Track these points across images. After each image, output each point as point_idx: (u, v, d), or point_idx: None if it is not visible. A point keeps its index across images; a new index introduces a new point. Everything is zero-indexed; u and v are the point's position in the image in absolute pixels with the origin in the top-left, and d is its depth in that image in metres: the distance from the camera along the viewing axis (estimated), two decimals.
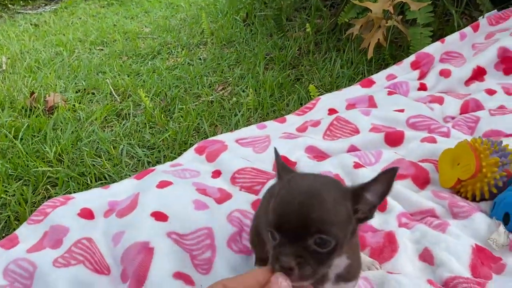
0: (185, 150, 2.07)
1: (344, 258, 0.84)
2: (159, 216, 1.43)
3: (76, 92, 2.96)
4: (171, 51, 3.69)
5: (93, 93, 2.95)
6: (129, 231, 1.41)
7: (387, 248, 1.33)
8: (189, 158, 1.93)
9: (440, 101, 2.12)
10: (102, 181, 1.95)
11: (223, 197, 1.58)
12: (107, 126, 2.51)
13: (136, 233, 1.38)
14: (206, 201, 1.53)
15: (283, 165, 0.88)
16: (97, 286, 1.28)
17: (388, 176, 0.76)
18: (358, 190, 0.78)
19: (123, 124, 2.48)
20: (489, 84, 2.19)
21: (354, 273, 0.91)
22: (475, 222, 1.37)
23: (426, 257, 1.29)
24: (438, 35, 2.59)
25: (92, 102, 2.81)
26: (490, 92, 2.10)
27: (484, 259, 1.27)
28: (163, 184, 1.61)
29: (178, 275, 1.25)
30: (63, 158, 2.11)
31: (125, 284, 1.28)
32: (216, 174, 1.78)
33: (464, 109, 2.05)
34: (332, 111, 2.19)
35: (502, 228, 1.31)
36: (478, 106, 2.03)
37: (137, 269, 1.27)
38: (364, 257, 1.30)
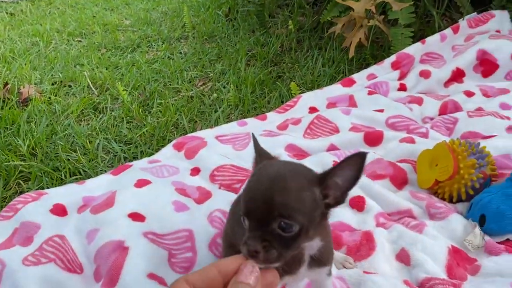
0: (163, 146, 2.03)
1: (317, 241, 0.86)
2: (136, 217, 1.40)
3: (52, 84, 2.88)
4: (151, 44, 3.63)
5: (69, 86, 2.88)
6: (104, 229, 1.37)
7: (364, 246, 1.33)
8: (168, 154, 1.89)
9: (419, 101, 2.13)
10: (77, 176, 1.90)
11: (202, 197, 1.55)
12: (84, 120, 2.45)
13: (111, 231, 1.35)
14: (186, 202, 1.50)
15: (260, 152, 0.90)
16: (69, 285, 1.25)
17: (358, 161, 0.76)
18: (324, 176, 0.78)
19: (100, 118, 2.42)
20: (468, 86, 2.21)
21: (327, 257, 0.94)
22: (451, 223, 1.38)
23: (403, 257, 1.30)
24: (418, 36, 2.61)
25: (68, 95, 2.74)
26: (469, 94, 2.12)
27: (459, 260, 1.28)
28: (141, 183, 1.58)
29: (152, 276, 1.22)
30: (36, 152, 2.05)
31: (98, 283, 1.25)
32: (195, 171, 1.76)
33: (443, 110, 2.07)
34: (313, 109, 2.18)
35: (477, 230, 1.32)
36: (457, 108, 2.05)
37: (111, 269, 1.24)
38: (337, 254, 1.30)
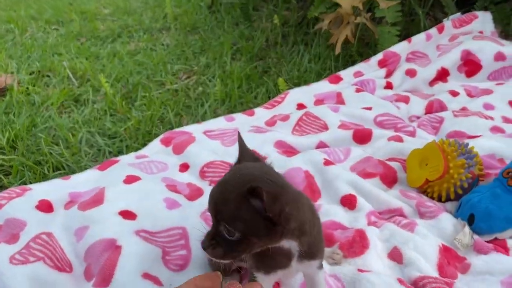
0: (149, 141, 1.99)
1: (290, 242, 0.88)
2: (127, 215, 1.37)
3: (30, 74, 2.79)
4: (132, 34, 3.55)
5: (48, 76, 2.79)
6: (94, 226, 1.34)
7: (357, 243, 1.33)
8: (155, 149, 1.86)
9: (405, 100, 2.15)
10: (60, 171, 1.84)
11: (193, 193, 1.53)
12: (65, 112, 2.38)
13: (102, 229, 1.32)
14: (177, 199, 1.48)
15: (243, 152, 0.94)
16: (59, 284, 1.21)
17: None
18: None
19: (82, 111, 2.35)
20: (452, 85, 2.25)
21: (316, 251, 0.97)
22: (441, 222, 1.41)
23: (395, 256, 1.31)
24: (403, 35, 2.64)
25: (47, 86, 2.66)
26: (454, 93, 2.16)
27: (450, 259, 1.30)
28: (130, 180, 1.54)
29: (147, 276, 1.20)
30: (17, 145, 1.98)
31: (89, 282, 1.22)
32: (184, 167, 1.73)
33: (429, 109, 2.10)
34: (300, 106, 2.18)
35: (467, 229, 1.35)
36: (442, 107, 2.09)
37: (103, 268, 1.21)
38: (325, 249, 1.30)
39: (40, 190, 1.54)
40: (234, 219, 0.79)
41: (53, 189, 1.56)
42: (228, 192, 0.81)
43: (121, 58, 3.02)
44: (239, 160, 0.95)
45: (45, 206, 1.47)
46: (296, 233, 0.87)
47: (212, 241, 0.82)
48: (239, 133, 1.01)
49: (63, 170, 1.85)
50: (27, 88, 2.57)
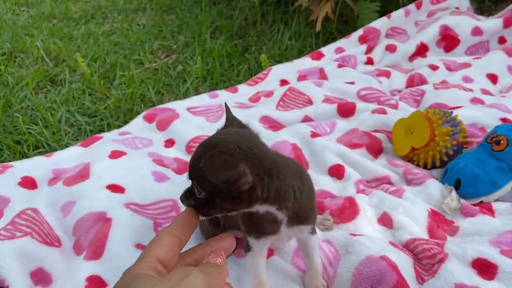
0: (130, 118, 1.96)
1: (266, 207, 0.86)
2: (116, 188, 1.35)
3: (1, 55, 2.68)
4: (107, 15, 3.46)
5: (21, 57, 2.69)
6: (81, 201, 1.31)
7: (348, 209, 1.33)
8: (138, 126, 1.83)
9: (387, 74, 2.18)
10: (40, 150, 1.79)
11: (182, 168, 1.51)
12: (41, 92, 2.31)
13: (90, 203, 1.29)
14: (165, 172, 1.46)
15: (230, 118, 0.94)
16: (48, 259, 1.18)
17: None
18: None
19: (59, 91, 2.29)
20: (431, 60, 2.28)
21: (307, 216, 0.97)
22: (429, 188, 1.43)
23: (385, 220, 1.32)
24: (381, 11, 2.65)
25: (21, 67, 2.57)
26: (433, 67, 2.19)
27: (438, 222, 1.33)
28: (116, 155, 1.51)
29: (140, 246, 1.18)
30: None
31: (80, 256, 1.19)
32: (169, 143, 1.71)
33: (410, 83, 2.12)
34: (284, 82, 2.17)
35: (454, 193, 1.38)
36: (423, 81, 2.12)
37: (94, 240, 1.18)
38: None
39: (22, 167, 1.49)
40: (202, 179, 0.80)
41: (35, 166, 1.52)
42: (199, 154, 0.82)
43: (96, 38, 2.94)
44: (226, 126, 0.93)
45: (29, 183, 1.43)
46: (272, 200, 0.85)
47: (186, 193, 0.85)
48: (225, 103, 1.01)
49: (43, 148, 1.80)
50: None
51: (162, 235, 0.76)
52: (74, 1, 3.79)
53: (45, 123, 1.95)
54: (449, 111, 1.59)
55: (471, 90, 1.99)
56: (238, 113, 1.82)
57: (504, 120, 1.69)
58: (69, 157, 1.58)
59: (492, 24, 2.35)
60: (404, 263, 1.13)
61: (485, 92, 2.01)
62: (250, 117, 1.83)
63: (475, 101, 1.90)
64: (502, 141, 1.40)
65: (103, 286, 1.09)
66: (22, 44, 2.81)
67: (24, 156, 1.74)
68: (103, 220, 1.23)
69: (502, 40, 2.36)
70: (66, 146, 1.80)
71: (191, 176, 0.84)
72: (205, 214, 0.85)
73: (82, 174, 1.41)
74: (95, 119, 2.02)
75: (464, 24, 2.35)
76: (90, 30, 3.11)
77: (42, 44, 2.80)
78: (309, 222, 0.99)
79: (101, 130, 1.94)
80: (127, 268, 0.68)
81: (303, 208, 0.95)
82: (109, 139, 1.66)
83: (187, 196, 0.85)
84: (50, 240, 1.23)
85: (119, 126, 1.91)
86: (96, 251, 1.16)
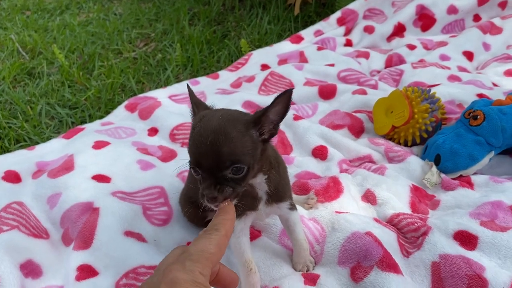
0: (112, 109, 1.94)
1: (261, 176, 0.94)
2: (101, 178, 1.35)
3: None
4: (82, 5, 3.40)
5: None
6: (67, 192, 1.30)
7: (332, 188, 1.35)
8: (121, 115, 1.82)
9: (366, 55, 2.20)
10: (22, 143, 1.77)
11: (167, 155, 1.52)
12: (18, 86, 2.26)
13: (76, 194, 1.28)
14: (151, 160, 1.46)
15: (196, 102, 0.94)
16: (37, 251, 1.18)
17: (286, 97, 0.83)
18: (259, 117, 0.85)
19: (37, 84, 2.25)
20: (409, 40, 2.32)
21: (283, 192, 1.02)
22: (410, 165, 1.46)
23: (369, 197, 1.35)
24: None
25: None
26: (411, 47, 2.22)
27: (420, 197, 1.37)
28: (99, 145, 1.50)
29: (130, 234, 1.18)
30: None
31: (69, 247, 1.19)
32: (153, 131, 1.71)
33: (388, 63, 2.15)
34: (264, 66, 2.18)
35: (434, 169, 1.41)
36: (401, 61, 2.15)
37: (82, 230, 1.18)
38: (297, 196, 1.34)
39: (5, 161, 1.48)
40: (243, 155, 0.82)
41: (18, 160, 1.50)
42: (227, 135, 0.81)
43: (72, 29, 2.89)
44: (197, 110, 0.94)
45: (12, 177, 1.42)
46: (267, 166, 0.93)
47: (217, 187, 0.81)
48: (188, 85, 1.00)
49: (24, 142, 1.77)
50: None
51: (210, 232, 0.71)
52: None
53: (25, 117, 1.93)
54: (427, 88, 1.62)
55: (448, 68, 2.03)
56: (220, 99, 1.86)
57: (480, 95, 1.73)
58: (52, 149, 1.57)
59: (467, 2, 2.39)
60: (389, 238, 1.17)
61: (462, 69, 2.05)
62: (232, 103, 1.84)
63: (452, 78, 1.94)
64: (479, 116, 1.44)
65: (94, 274, 1.10)
66: None
67: (5, 150, 1.71)
68: (90, 210, 1.23)
69: (477, 18, 2.40)
70: (48, 139, 1.78)
71: (228, 163, 0.81)
72: (239, 193, 0.84)
73: (67, 166, 1.40)
74: (76, 111, 2.00)
75: (439, 3, 2.39)
76: (65, 21, 3.06)
77: (17, 37, 2.75)
78: (286, 198, 1.04)
79: (83, 122, 1.93)
80: (167, 261, 0.65)
81: (281, 183, 1.00)
82: (92, 130, 1.65)
83: (220, 189, 0.81)
84: (38, 232, 1.23)
85: (101, 117, 1.90)
86: (85, 241, 1.16)
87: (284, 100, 0.83)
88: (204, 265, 0.63)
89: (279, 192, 0.99)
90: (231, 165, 0.81)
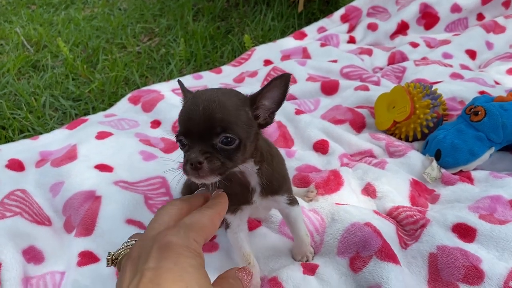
0: (115, 101, 1.96)
1: (251, 164, 0.89)
2: (104, 168, 1.36)
3: None
4: (86, 0, 3.42)
5: (0, 44, 2.66)
6: (69, 181, 1.32)
7: (332, 181, 1.36)
8: (124, 108, 1.83)
9: (369, 52, 2.21)
10: (25, 134, 1.79)
11: (169, 147, 1.53)
12: (23, 78, 2.28)
13: (78, 183, 1.30)
14: (153, 152, 1.48)
15: (186, 90, 0.94)
16: (40, 237, 1.19)
17: (283, 82, 0.80)
18: (255, 97, 0.82)
19: (41, 76, 2.27)
20: (412, 37, 2.32)
21: (279, 185, 0.98)
22: (410, 159, 1.47)
23: (369, 191, 1.36)
24: None
25: (1, 53, 2.53)
26: (414, 45, 2.23)
27: (420, 191, 1.37)
28: (102, 135, 1.52)
29: (131, 222, 1.20)
30: None
31: (71, 234, 1.21)
32: (156, 124, 1.72)
33: (391, 60, 2.16)
34: (267, 62, 2.19)
35: (435, 163, 1.42)
36: (404, 58, 2.16)
37: (84, 218, 1.20)
38: (298, 189, 1.34)
39: (9, 150, 1.49)
40: (236, 125, 0.78)
41: (22, 149, 1.52)
42: (221, 104, 0.77)
43: (77, 23, 2.90)
44: (187, 94, 0.92)
45: (16, 165, 1.43)
46: (258, 157, 0.90)
47: (206, 154, 0.76)
48: (179, 80, 0.99)
49: (28, 133, 1.79)
50: None
51: (204, 209, 0.73)
52: None
53: (29, 108, 1.94)
54: (429, 85, 1.63)
55: (450, 66, 2.03)
56: None
57: (482, 93, 1.74)
58: (56, 139, 1.59)
59: (471, 1, 2.39)
60: (388, 229, 1.17)
61: (464, 67, 2.05)
62: None
63: (455, 76, 1.94)
64: (480, 112, 1.44)
65: (95, 260, 1.11)
66: (1, 30, 2.78)
67: (9, 140, 1.73)
68: (93, 198, 1.24)
69: (480, 17, 2.41)
70: (52, 130, 1.79)
71: (219, 129, 0.76)
72: (227, 169, 0.79)
73: (70, 155, 1.42)
74: (79, 103, 2.02)
75: (443, 1, 2.39)
76: (70, 16, 3.07)
77: (22, 30, 2.76)
78: (282, 192, 1.01)
79: (86, 114, 1.94)
80: (158, 228, 0.67)
81: (275, 176, 0.96)
82: (95, 121, 1.67)
83: (208, 157, 0.76)
84: (41, 219, 1.24)
85: (104, 109, 1.91)
86: (87, 228, 1.18)
87: (281, 84, 0.80)
88: (197, 234, 0.65)
89: (273, 185, 0.96)
90: (222, 132, 0.76)
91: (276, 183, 0.97)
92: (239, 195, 0.95)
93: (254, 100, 0.82)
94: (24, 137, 1.75)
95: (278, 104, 0.84)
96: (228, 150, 0.78)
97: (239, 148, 0.79)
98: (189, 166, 0.75)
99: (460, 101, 1.75)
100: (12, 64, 2.31)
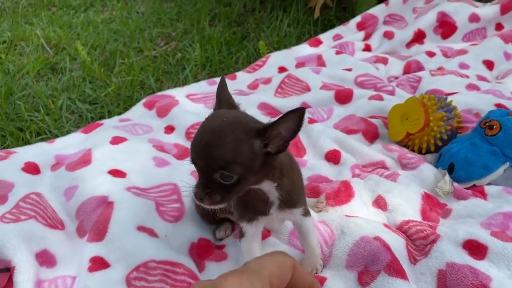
0: (131, 106, 1.98)
1: (268, 184, 0.92)
2: (117, 173, 1.38)
3: (2, 43, 2.70)
4: (106, 3, 3.46)
5: (21, 45, 2.71)
6: (83, 185, 1.34)
7: (343, 192, 1.36)
8: (139, 112, 1.86)
9: (384, 61, 2.20)
10: (42, 136, 1.82)
11: (182, 153, 1.55)
12: (41, 80, 2.33)
13: (92, 188, 1.32)
14: (166, 158, 1.50)
15: (220, 97, 0.95)
16: (52, 241, 1.22)
17: (297, 116, 0.81)
18: (266, 128, 0.83)
19: (59, 79, 2.31)
20: (428, 46, 2.30)
21: (296, 198, 1.00)
22: (423, 172, 1.46)
23: (380, 203, 1.36)
24: None
25: (21, 55, 2.59)
26: (430, 54, 2.21)
27: (432, 205, 1.36)
28: (117, 140, 1.54)
29: (142, 229, 1.21)
30: None
31: (83, 238, 1.23)
32: (169, 129, 1.74)
33: (407, 70, 2.15)
34: (282, 69, 2.19)
35: (447, 177, 1.41)
36: (420, 67, 2.14)
37: (96, 223, 1.22)
38: (308, 199, 1.34)
39: (25, 153, 1.53)
40: (233, 163, 0.81)
41: (38, 152, 1.55)
42: (221, 139, 0.80)
43: (96, 26, 2.95)
44: (218, 106, 0.95)
45: (32, 168, 1.46)
46: (276, 175, 0.91)
47: (207, 190, 0.83)
48: (223, 77, 1.00)
49: (45, 135, 1.83)
50: (0, 57, 2.50)
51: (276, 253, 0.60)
52: None
53: (46, 110, 1.98)
54: (444, 96, 1.61)
55: (467, 76, 2.01)
56: (237, 100, 1.87)
57: (498, 105, 1.72)
58: (71, 143, 1.61)
59: (489, 10, 2.36)
60: (397, 244, 1.17)
61: (481, 78, 2.03)
62: (248, 104, 1.85)
63: (471, 87, 1.92)
64: (495, 126, 1.43)
65: (106, 266, 1.13)
66: (22, 32, 2.83)
67: (26, 142, 1.77)
68: (105, 204, 1.26)
69: (499, 27, 2.38)
70: (68, 133, 1.82)
71: (214, 166, 0.81)
72: (229, 200, 0.86)
73: (84, 159, 1.44)
74: (95, 106, 2.05)
75: (461, 10, 2.37)
76: (89, 18, 3.12)
77: (42, 33, 2.82)
78: (299, 205, 1.02)
79: (102, 117, 1.97)
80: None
81: (294, 190, 0.98)
82: (110, 126, 1.69)
83: (209, 193, 0.83)
84: (54, 223, 1.27)
85: (119, 113, 1.94)
86: (99, 233, 1.19)
87: (296, 118, 0.81)
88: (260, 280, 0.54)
89: (292, 199, 0.98)
90: (219, 170, 0.81)
91: (294, 196, 0.99)
92: (257, 206, 0.97)
93: (264, 131, 0.82)
94: (41, 139, 1.79)
95: (293, 135, 0.84)
96: (226, 185, 0.82)
97: (238, 182, 0.83)
98: (194, 197, 0.85)
99: (476, 113, 1.73)
100: (31, 66, 2.36)
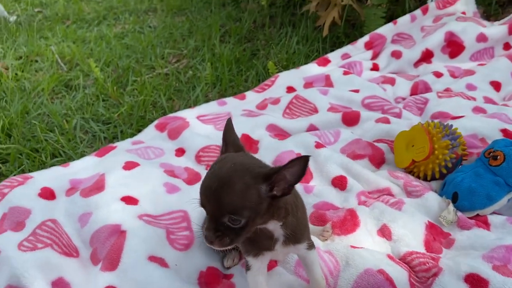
0: (143, 126, 2.04)
1: (274, 223, 0.97)
2: (129, 200, 1.43)
3: (18, 59, 2.78)
4: (118, 16, 3.53)
5: (36, 61, 2.79)
6: (97, 212, 1.39)
7: (349, 221, 1.40)
8: (151, 135, 1.91)
9: (391, 82, 2.22)
10: (57, 158, 1.88)
11: (192, 178, 1.59)
12: (56, 98, 2.39)
13: (105, 215, 1.37)
14: (176, 183, 1.54)
15: (227, 140, 1.01)
16: (67, 269, 1.27)
17: (302, 163, 0.87)
18: (272, 173, 0.88)
19: (74, 96, 2.37)
20: (436, 66, 2.32)
21: (300, 234, 1.05)
22: (427, 201, 1.49)
23: (385, 232, 1.39)
24: (388, 16, 2.68)
25: (37, 71, 2.66)
26: (437, 74, 2.23)
27: (435, 235, 1.39)
28: (129, 166, 1.59)
29: (153, 259, 1.26)
30: (12, 133, 2.00)
31: (97, 266, 1.28)
32: (180, 152, 1.79)
33: (414, 91, 2.17)
34: (290, 89, 2.23)
35: (451, 207, 1.44)
36: (427, 88, 2.16)
37: (110, 252, 1.26)
38: (313, 227, 1.38)
39: (41, 177, 1.58)
40: (241, 208, 0.87)
41: (53, 176, 1.60)
42: (231, 185, 0.86)
43: (108, 41, 3.01)
44: (224, 149, 1.01)
45: (48, 194, 1.52)
46: (282, 214, 0.96)
47: (217, 233, 0.88)
48: (229, 120, 1.04)
49: (60, 157, 1.88)
50: (16, 74, 2.57)
51: None
52: (87, 1, 3.87)
53: (61, 130, 2.04)
54: (449, 124, 1.64)
55: (473, 98, 2.03)
56: (245, 121, 1.93)
57: (504, 130, 1.73)
58: (85, 167, 1.67)
59: (497, 30, 2.38)
60: (400, 276, 1.21)
61: (488, 100, 2.05)
62: (257, 126, 1.90)
63: (477, 110, 1.94)
64: (499, 157, 1.45)
65: None
66: (37, 47, 2.90)
67: (42, 164, 1.83)
68: (118, 233, 1.31)
69: (507, 47, 2.39)
70: (81, 153, 1.88)
71: (223, 211, 0.87)
72: (239, 241, 0.92)
73: (98, 185, 1.50)
74: (108, 126, 2.10)
75: (469, 30, 2.39)
76: (102, 32, 3.19)
77: (56, 48, 2.89)
78: (303, 240, 1.07)
79: (115, 137, 2.03)
80: None
81: (299, 226, 1.03)
82: (123, 149, 1.74)
83: (219, 236, 0.88)
84: (69, 250, 1.32)
85: (132, 134, 1.99)
86: (112, 263, 1.24)
87: (301, 164, 0.86)
88: None
89: (297, 235, 1.03)
90: (228, 215, 0.86)
91: (299, 232, 1.04)
92: (262, 242, 1.02)
93: (270, 176, 0.88)
94: (57, 161, 1.84)
95: (298, 179, 0.89)
96: (235, 229, 0.88)
97: (246, 225, 0.89)
98: (205, 240, 0.90)
99: (481, 138, 1.75)
100: (46, 84, 2.42)
